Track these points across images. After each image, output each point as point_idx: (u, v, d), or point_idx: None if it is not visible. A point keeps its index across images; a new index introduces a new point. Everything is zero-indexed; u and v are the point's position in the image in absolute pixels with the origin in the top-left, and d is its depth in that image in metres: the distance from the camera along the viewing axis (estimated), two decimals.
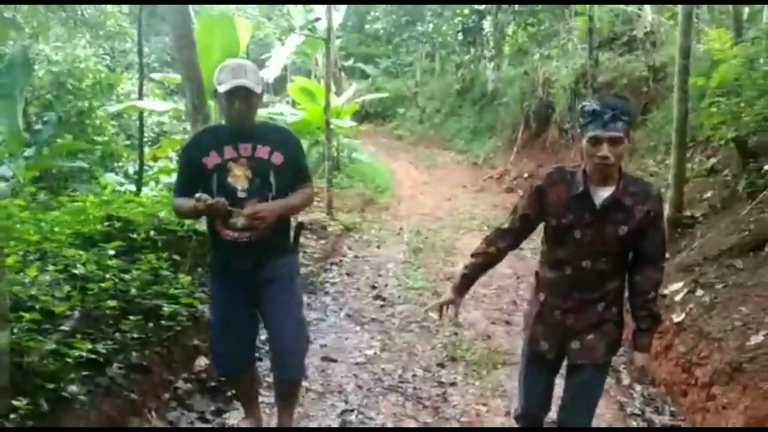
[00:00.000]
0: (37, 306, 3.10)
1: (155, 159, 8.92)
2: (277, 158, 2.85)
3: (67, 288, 3.29)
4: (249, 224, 2.76)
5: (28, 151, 9.20)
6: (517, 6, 12.78)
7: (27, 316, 2.85)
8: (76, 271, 3.49)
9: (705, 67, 7.02)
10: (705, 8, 10.93)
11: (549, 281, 2.60)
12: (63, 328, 3.06)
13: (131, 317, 3.42)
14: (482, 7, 13.58)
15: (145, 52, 18.12)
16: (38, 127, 9.81)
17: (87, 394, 2.84)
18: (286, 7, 13.00)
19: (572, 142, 11.59)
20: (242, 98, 2.74)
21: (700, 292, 4.38)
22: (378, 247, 8.15)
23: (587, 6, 11.17)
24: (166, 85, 17.56)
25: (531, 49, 12.98)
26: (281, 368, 3.06)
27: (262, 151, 2.83)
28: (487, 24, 14.83)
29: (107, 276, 3.62)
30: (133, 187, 8.68)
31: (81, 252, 3.76)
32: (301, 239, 3.40)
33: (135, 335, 3.39)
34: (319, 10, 10.57)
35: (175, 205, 2.98)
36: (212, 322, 3.08)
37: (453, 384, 4.15)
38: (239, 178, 2.80)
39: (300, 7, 12.35)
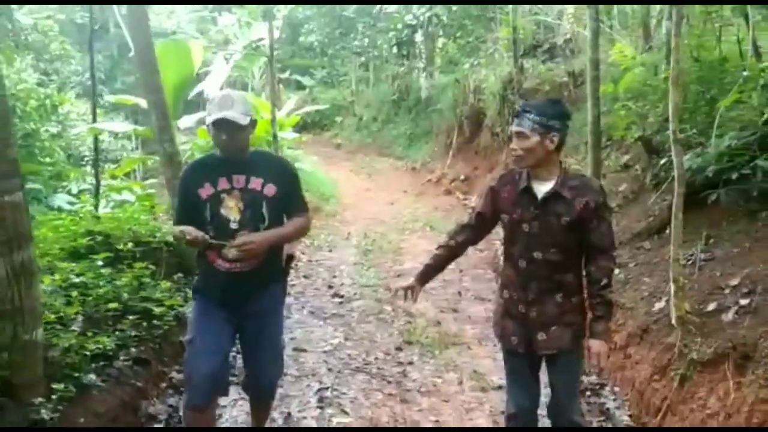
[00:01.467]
0: (47, 311, 3.52)
1: (114, 178, 9.18)
2: (270, 190, 2.87)
3: (75, 293, 3.72)
4: (240, 256, 2.77)
5: None
6: (445, 19, 13.52)
7: (50, 317, 3.29)
8: (76, 280, 3.90)
9: (617, 72, 7.87)
10: (618, 16, 11.95)
11: (508, 277, 2.80)
12: (73, 328, 3.49)
13: (130, 317, 3.88)
14: (414, 21, 14.30)
15: (80, 70, 18.24)
16: None
17: (103, 383, 3.29)
18: (221, 23, 13.35)
19: (503, 144, 12.42)
20: (228, 130, 2.76)
21: (617, 270, 5.11)
22: (330, 251, 8.67)
23: (511, 16, 11.99)
24: (102, 103, 17.64)
25: (461, 59, 13.73)
26: (256, 394, 3.23)
27: (255, 183, 2.85)
28: (418, 37, 15.55)
29: (101, 283, 4.04)
30: (81, 206, 8.91)
31: (73, 264, 4.17)
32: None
33: (133, 333, 3.84)
34: (259, 28, 11.01)
35: (172, 233, 3.08)
36: (192, 340, 2.92)
37: (411, 363, 4.73)
38: (232, 209, 2.82)
39: (237, 21, 12.73)
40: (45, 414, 2.75)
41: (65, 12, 18.70)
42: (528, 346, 2.75)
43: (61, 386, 2.93)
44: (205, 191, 2.84)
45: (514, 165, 2.72)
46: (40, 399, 2.79)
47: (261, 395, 3.23)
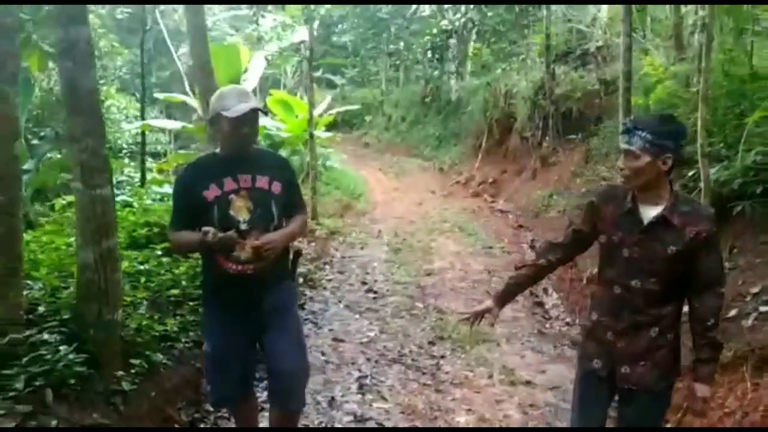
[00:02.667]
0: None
1: (161, 172, 9.58)
2: (277, 187, 2.83)
3: (143, 279, 4.06)
4: (254, 256, 2.71)
5: (26, 165, 9.77)
6: (479, 24, 13.78)
7: (125, 300, 3.62)
8: (141, 268, 4.24)
9: (649, 81, 8.05)
10: (651, 25, 12.09)
11: (600, 301, 2.59)
12: (140, 311, 3.81)
13: (190, 303, 4.21)
14: (449, 26, 14.56)
15: (118, 65, 18.79)
16: (35, 142, 10.35)
17: (168, 361, 3.62)
18: (263, 23, 13.75)
19: (532, 149, 12.64)
20: (251, 123, 2.74)
21: None
22: (362, 248, 8.97)
23: (544, 23, 12.19)
24: (138, 98, 18.24)
25: (494, 63, 13.97)
26: (282, 397, 2.96)
27: (262, 182, 2.80)
28: (452, 41, 15.82)
29: (162, 271, 4.38)
30: (136, 198, 9.34)
31: (136, 252, 4.52)
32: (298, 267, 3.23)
33: (191, 318, 4.17)
34: (296, 29, 11.36)
35: (173, 240, 2.88)
36: (209, 353, 2.93)
37: (443, 357, 5.00)
38: (241, 209, 2.74)
39: (279, 23, 13.11)
40: (125, 385, 3.08)
41: (105, 8, 19.25)
42: (609, 373, 2.54)
43: (138, 362, 3.27)
44: (212, 193, 2.73)
45: (622, 184, 2.48)
46: (120, 372, 3.13)
47: (288, 398, 2.96)
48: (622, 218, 2.45)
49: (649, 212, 2.40)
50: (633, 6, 6.64)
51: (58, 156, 9.99)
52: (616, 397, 2.63)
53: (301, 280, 6.69)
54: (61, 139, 10.98)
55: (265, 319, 2.87)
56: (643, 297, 2.43)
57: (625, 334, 2.49)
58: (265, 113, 2.97)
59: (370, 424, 3.85)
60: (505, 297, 2.76)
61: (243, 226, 2.72)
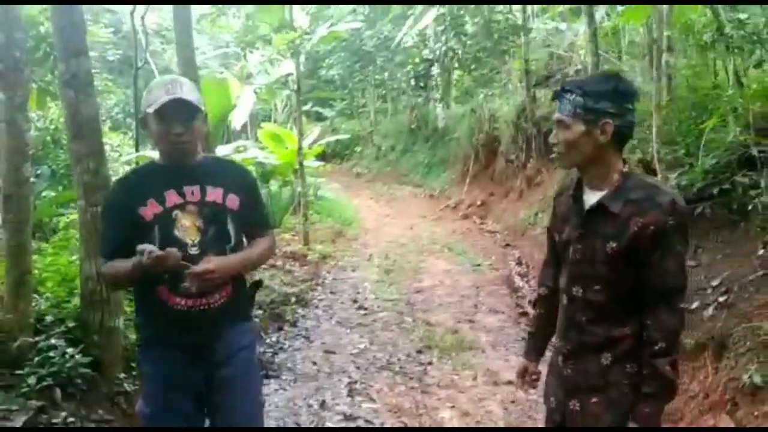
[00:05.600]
0: None
1: None
2: (233, 201, 2.33)
3: None
4: (198, 287, 2.21)
5: None
6: (460, 53, 14.26)
7: (126, 310, 3.87)
8: None
9: None
10: (626, 47, 12.57)
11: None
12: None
13: None
14: (430, 55, 15.04)
15: (110, 105, 19.24)
16: (32, 180, 10.60)
17: None
18: (250, 59, 14.16)
19: (517, 171, 12.99)
20: (181, 118, 2.18)
21: None
22: (353, 270, 9.21)
23: (523, 49, 12.65)
24: (131, 135, 18.63)
25: (476, 90, 14.41)
26: None
27: (215, 194, 2.30)
28: (435, 70, 16.32)
29: None
30: None
31: None
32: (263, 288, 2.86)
33: None
34: (284, 63, 11.76)
35: (105, 272, 2.33)
36: (148, 415, 2.36)
37: (430, 363, 5.24)
38: (189, 229, 2.24)
39: (267, 58, 13.52)
40: (127, 387, 3.32)
41: (96, 49, 19.75)
42: (563, 413, 2.04)
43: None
44: (150, 210, 2.23)
45: (557, 165, 2.10)
46: (123, 375, 3.37)
47: None
48: (570, 209, 2.00)
49: (592, 199, 1.93)
50: (596, 27, 7.03)
51: (53, 195, 10.28)
52: None
53: (293, 299, 6.93)
54: (57, 176, 11.29)
55: (216, 368, 2.35)
56: (587, 309, 1.94)
57: (571, 358, 1.99)
58: (199, 108, 2.23)
59: (360, 423, 4.08)
60: (531, 349, 2.30)
61: (193, 250, 2.23)
